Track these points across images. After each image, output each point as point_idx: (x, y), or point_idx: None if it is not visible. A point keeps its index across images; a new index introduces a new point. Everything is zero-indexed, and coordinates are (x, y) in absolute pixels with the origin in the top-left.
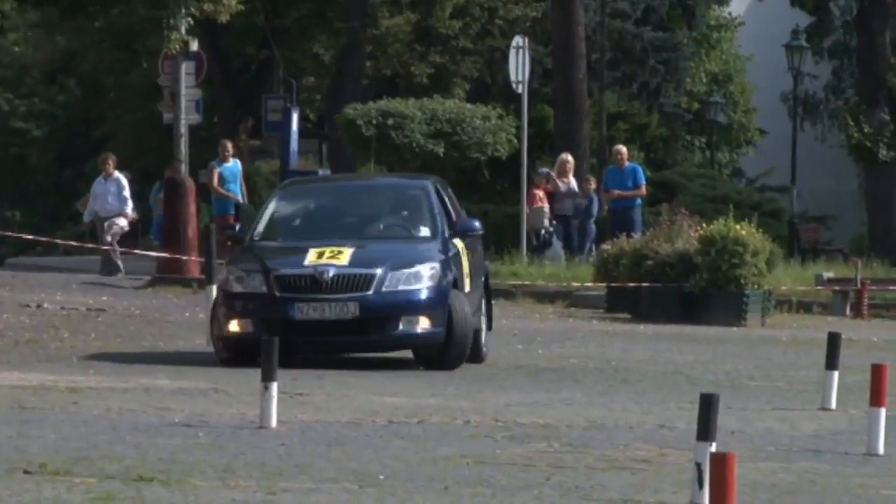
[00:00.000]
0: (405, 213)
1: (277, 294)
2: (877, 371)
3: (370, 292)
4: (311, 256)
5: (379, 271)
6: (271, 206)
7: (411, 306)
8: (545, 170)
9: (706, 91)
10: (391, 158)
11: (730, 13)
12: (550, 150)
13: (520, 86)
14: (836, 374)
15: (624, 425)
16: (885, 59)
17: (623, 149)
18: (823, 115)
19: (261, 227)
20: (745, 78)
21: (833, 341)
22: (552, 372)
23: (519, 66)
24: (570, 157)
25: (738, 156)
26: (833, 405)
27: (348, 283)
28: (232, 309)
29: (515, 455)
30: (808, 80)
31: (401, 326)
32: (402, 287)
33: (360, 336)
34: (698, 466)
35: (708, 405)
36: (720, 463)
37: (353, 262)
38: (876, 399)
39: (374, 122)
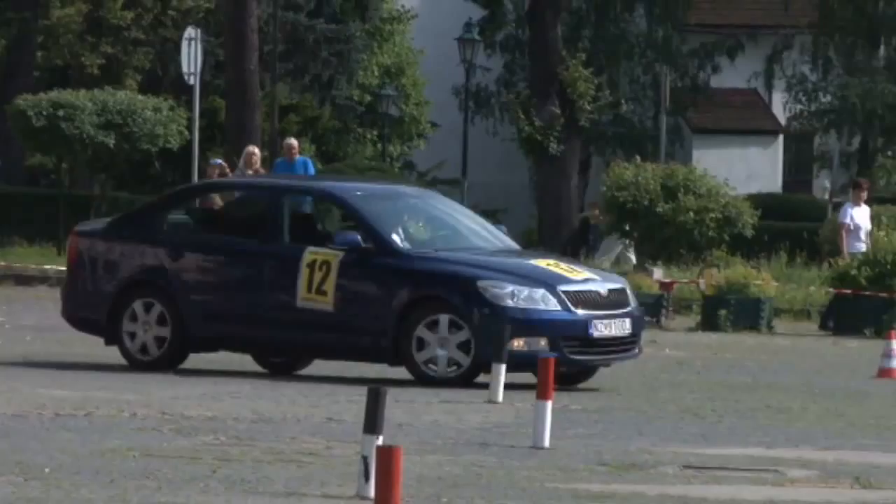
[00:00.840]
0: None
1: (578, 312)
2: (543, 364)
3: (632, 307)
4: (559, 270)
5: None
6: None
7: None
8: (217, 161)
9: (378, 84)
10: (61, 149)
11: (402, 6)
12: (222, 142)
13: (192, 77)
14: (503, 367)
15: (292, 418)
16: (556, 53)
17: (294, 142)
18: (495, 109)
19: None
20: (418, 71)
21: (499, 335)
22: (219, 364)
23: (191, 58)
24: (256, 149)
25: (409, 149)
26: (500, 398)
27: (618, 298)
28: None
29: (182, 448)
30: (480, 73)
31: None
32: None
33: (629, 350)
34: (365, 459)
35: (375, 398)
36: (386, 456)
37: (589, 276)
38: (542, 392)
39: (44, 113)
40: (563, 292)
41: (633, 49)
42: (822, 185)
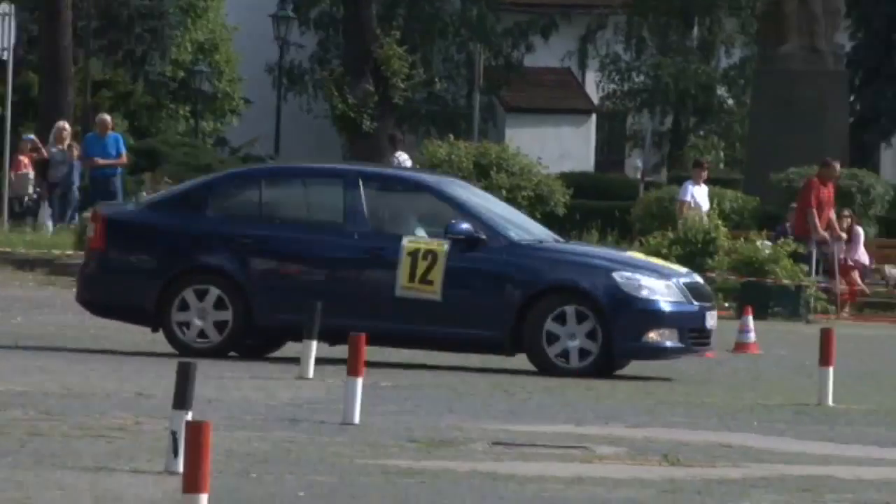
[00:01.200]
0: None
1: (695, 304)
2: (354, 341)
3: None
4: (663, 263)
5: None
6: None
7: None
8: (30, 136)
9: (192, 60)
10: None
11: None
12: (34, 118)
13: (4, 53)
14: (314, 343)
15: (101, 393)
16: (370, 31)
17: (107, 118)
18: (309, 86)
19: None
20: (231, 47)
21: (311, 310)
22: (30, 339)
23: (4, 33)
24: (66, 125)
25: (222, 125)
26: (310, 374)
27: (706, 290)
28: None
29: None
30: (294, 50)
31: None
32: None
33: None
34: (174, 435)
35: (185, 374)
36: (196, 431)
37: (684, 269)
38: (353, 369)
39: None
40: (684, 284)
41: (447, 27)
42: (635, 164)
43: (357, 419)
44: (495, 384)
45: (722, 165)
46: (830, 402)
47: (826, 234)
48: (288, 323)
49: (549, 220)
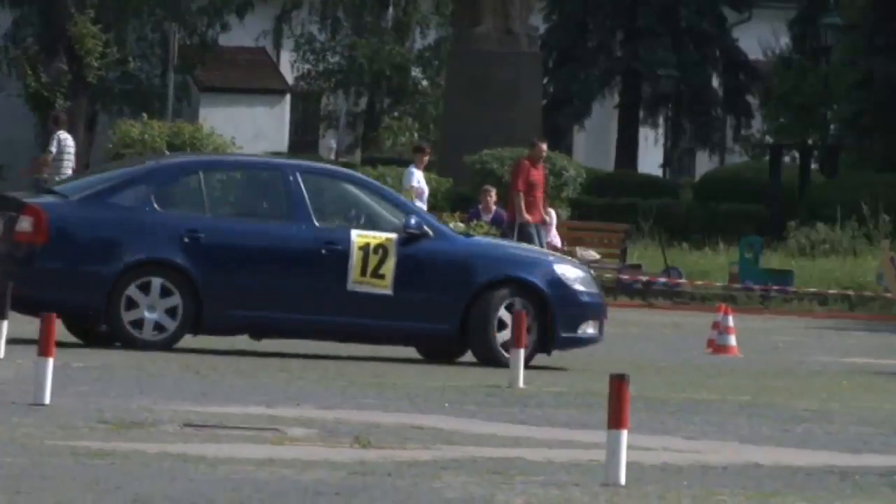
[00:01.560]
0: None
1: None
2: (46, 321)
3: None
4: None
5: None
6: None
7: None
8: None
9: None
10: None
11: None
12: None
13: None
14: (5, 323)
15: None
16: (64, 9)
17: None
18: (3, 64)
19: None
20: None
21: (1, 290)
22: None
23: None
24: None
25: None
26: (1, 354)
27: None
28: None
29: None
30: None
31: None
32: None
33: None
34: None
35: None
36: None
37: None
38: (44, 349)
39: None
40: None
41: (141, 6)
42: (329, 144)
43: (48, 400)
44: (186, 365)
45: None
46: (521, 384)
47: (529, 217)
48: (246, 319)
49: None
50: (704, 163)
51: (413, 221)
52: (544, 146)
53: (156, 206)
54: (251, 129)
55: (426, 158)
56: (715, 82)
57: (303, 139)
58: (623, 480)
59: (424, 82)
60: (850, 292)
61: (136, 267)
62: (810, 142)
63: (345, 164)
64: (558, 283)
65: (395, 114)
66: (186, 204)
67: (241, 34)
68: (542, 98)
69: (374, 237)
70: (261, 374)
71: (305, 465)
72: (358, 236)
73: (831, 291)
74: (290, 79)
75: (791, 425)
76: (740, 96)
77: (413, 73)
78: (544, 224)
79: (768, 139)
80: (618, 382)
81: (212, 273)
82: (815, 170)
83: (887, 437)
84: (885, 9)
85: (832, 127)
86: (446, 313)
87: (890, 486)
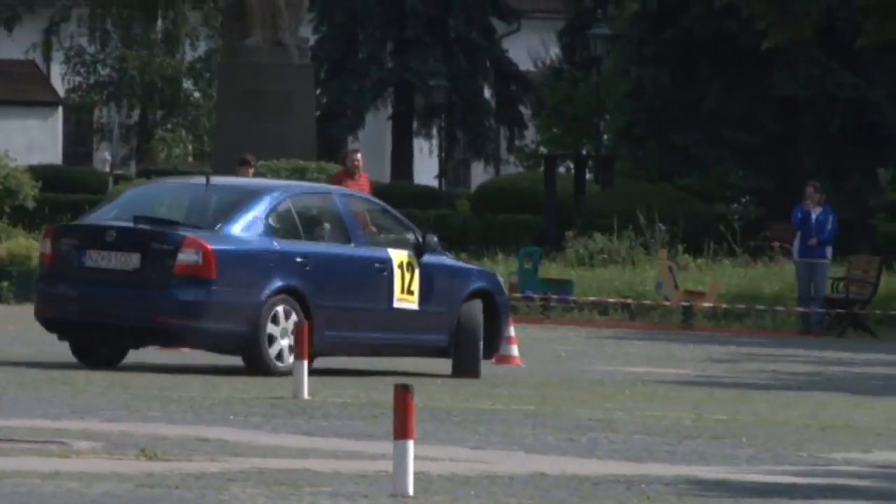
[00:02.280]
0: None
1: None
2: None
3: None
4: None
5: None
6: None
7: None
8: None
9: None
10: None
11: None
12: None
13: None
14: None
15: None
16: None
17: None
18: None
19: None
20: None
21: None
22: None
23: None
24: None
25: None
26: None
27: None
28: None
29: None
30: None
31: None
32: None
33: None
34: None
35: None
36: None
37: None
38: None
39: None
40: None
41: None
42: (103, 157)
43: None
44: None
45: (191, 159)
46: (306, 395)
47: None
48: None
49: (19, 214)
50: (480, 174)
51: (429, 238)
52: (357, 156)
53: (271, 234)
54: (24, 141)
55: (251, 171)
56: (487, 93)
57: (77, 151)
58: (411, 491)
59: (196, 94)
60: (630, 301)
61: (273, 296)
62: (584, 152)
63: (120, 177)
64: (503, 293)
65: (169, 126)
66: (287, 231)
67: (11, 46)
68: (316, 110)
69: (404, 255)
70: (44, 388)
71: (92, 478)
72: (395, 255)
73: (611, 300)
74: (61, 91)
75: (576, 434)
76: (512, 107)
77: (185, 85)
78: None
79: (542, 150)
80: (402, 393)
81: (318, 297)
82: (590, 180)
83: (672, 446)
84: (652, 19)
85: (605, 137)
86: (445, 326)
87: (675, 495)
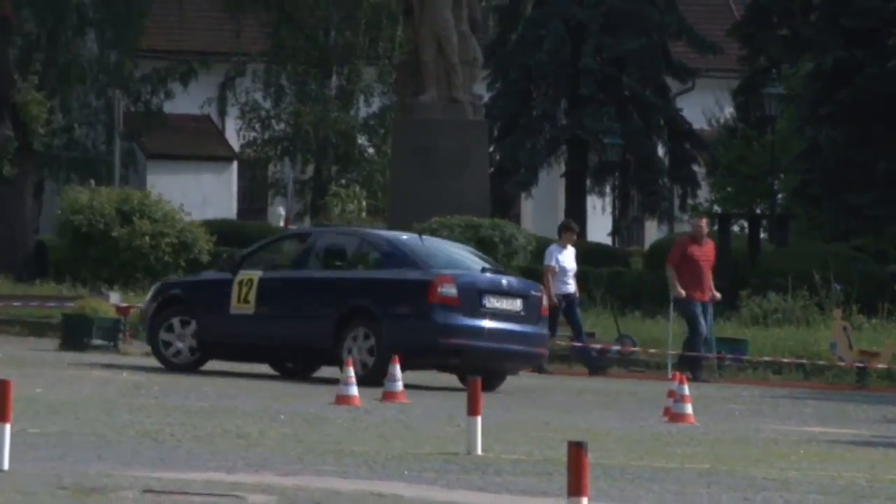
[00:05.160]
0: None
1: None
2: (1, 386)
3: None
4: None
5: None
6: None
7: None
8: None
9: None
10: None
11: None
12: None
13: None
14: None
15: None
16: (8, 76)
17: None
18: None
19: None
20: None
21: None
22: None
23: None
24: None
25: None
26: None
27: None
28: None
29: None
30: None
31: None
32: None
33: None
34: None
35: None
36: None
37: None
38: (0, 415)
39: None
40: None
41: (85, 73)
42: (278, 211)
43: (6, 466)
44: (143, 432)
45: (364, 214)
46: (479, 451)
47: (682, 292)
48: None
49: (194, 268)
50: (653, 231)
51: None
52: (703, 223)
53: None
54: (199, 195)
55: (574, 236)
56: (660, 151)
57: (252, 206)
58: None
59: (371, 150)
60: (805, 361)
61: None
62: (758, 211)
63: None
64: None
65: (343, 181)
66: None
67: (186, 101)
68: (490, 166)
69: None
70: (218, 441)
71: None
72: None
73: (785, 360)
74: (236, 146)
75: (751, 494)
76: (686, 165)
77: (359, 141)
78: (714, 301)
79: (716, 208)
80: (576, 449)
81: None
82: (764, 239)
83: None
84: (827, 79)
85: (779, 196)
86: None
87: None
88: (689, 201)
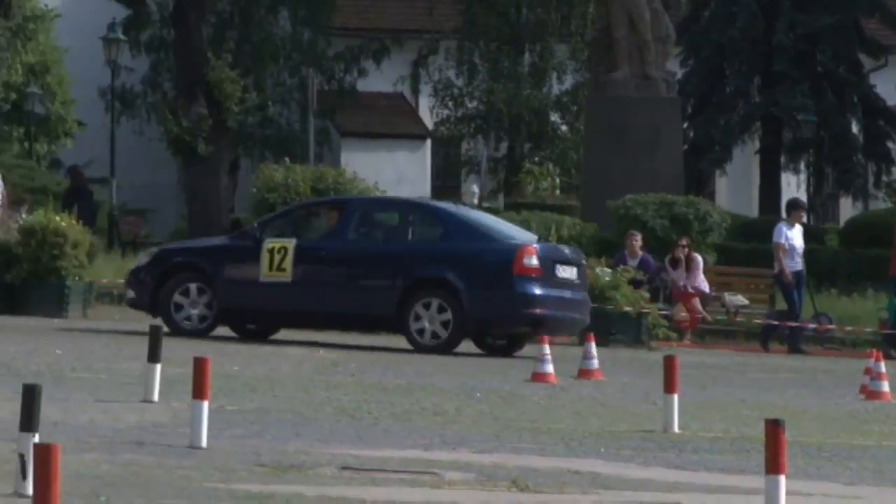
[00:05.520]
0: None
1: None
2: (199, 364)
3: None
4: None
5: None
6: None
7: None
8: None
9: (23, 82)
10: None
11: (45, 5)
12: None
13: None
14: (158, 366)
15: None
16: (201, 54)
17: None
18: (142, 109)
19: None
20: (63, 69)
21: (154, 334)
22: None
23: None
24: None
25: (56, 147)
26: (156, 397)
27: None
28: None
29: None
30: (125, 73)
31: None
32: None
33: None
34: (22, 457)
35: (30, 396)
36: (44, 454)
37: None
38: (198, 392)
39: None
40: None
41: (278, 51)
42: (471, 189)
43: (204, 443)
44: (341, 409)
45: (558, 192)
46: (676, 428)
47: None
48: None
49: None
50: (848, 208)
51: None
52: None
53: None
54: (393, 174)
55: (803, 215)
56: (854, 128)
57: (445, 184)
58: None
59: (564, 127)
60: None
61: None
62: None
63: (488, 210)
64: None
65: (536, 159)
66: None
67: (379, 79)
68: (683, 143)
69: None
70: (415, 418)
71: None
72: None
73: None
74: (429, 124)
75: None
76: (880, 142)
77: (552, 118)
78: None
79: None
80: (773, 427)
81: None
82: None
83: None
84: None
85: None
86: None
87: None
88: (884, 178)
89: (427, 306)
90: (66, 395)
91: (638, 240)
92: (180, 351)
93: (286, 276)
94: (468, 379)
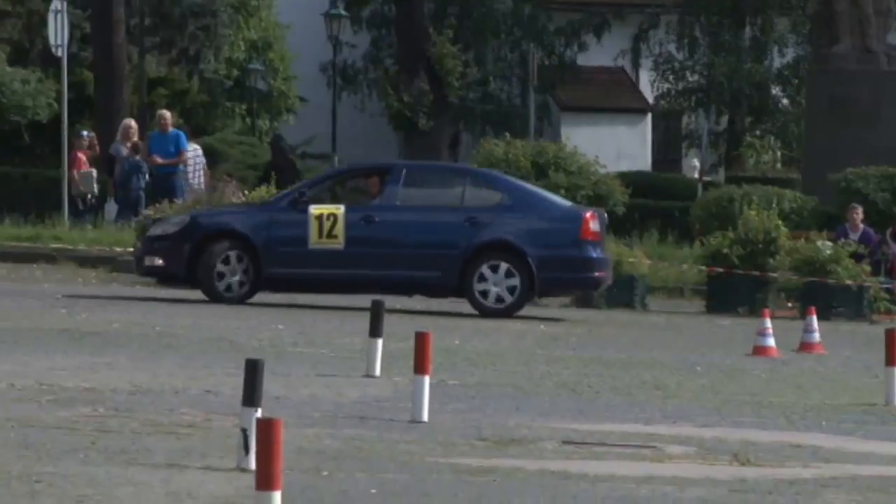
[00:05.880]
0: None
1: None
2: (420, 339)
3: None
4: None
5: None
6: None
7: None
8: (86, 132)
9: (245, 58)
10: None
11: None
12: (90, 115)
13: (59, 49)
14: (379, 341)
15: (169, 390)
16: (423, 30)
17: (167, 114)
18: (363, 85)
19: None
20: (285, 46)
21: (376, 309)
22: (96, 336)
23: (58, 30)
24: (132, 122)
25: (278, 123)
26: (377, 372)
27: None
28: None
29: (60, 419)
30: (346, 49)
31: None
32: None
33: None
34: (244, 432)
35: (253, 371)
36: (266, 428)
37: None
38: (420, 367)
39: None
40: None
41: (499, 26)
42: (692, 163)
43: (426, 417)
44: (562, 383)
45: (779, 165)
46: None
47: None
48: None
49: (609, 220)
50: None
51: None
52: None
53: None
54: (613, 148)
55: None
56: None
57: (665, 158)
58: None
59: (784, 100)
60: None
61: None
62: None
63: (709, 184)
64: None
65: (757, 132)
66: None
67: (599, 53)
68: None
69: None
70: (636, 392)
71: (686, 483)
72: None
73: None
74: (650, 98)
75: None
76: None
77: (773, 92)
78: None
79: None
80: None
81: None
82: None
83: None
84: None
85: None
86: None
87: None
88: None
89: (495, 269)
90: (288, 370)
91: (859, 213)
92: (401, 326)
93: (338, 244)
94: (689, 353)
